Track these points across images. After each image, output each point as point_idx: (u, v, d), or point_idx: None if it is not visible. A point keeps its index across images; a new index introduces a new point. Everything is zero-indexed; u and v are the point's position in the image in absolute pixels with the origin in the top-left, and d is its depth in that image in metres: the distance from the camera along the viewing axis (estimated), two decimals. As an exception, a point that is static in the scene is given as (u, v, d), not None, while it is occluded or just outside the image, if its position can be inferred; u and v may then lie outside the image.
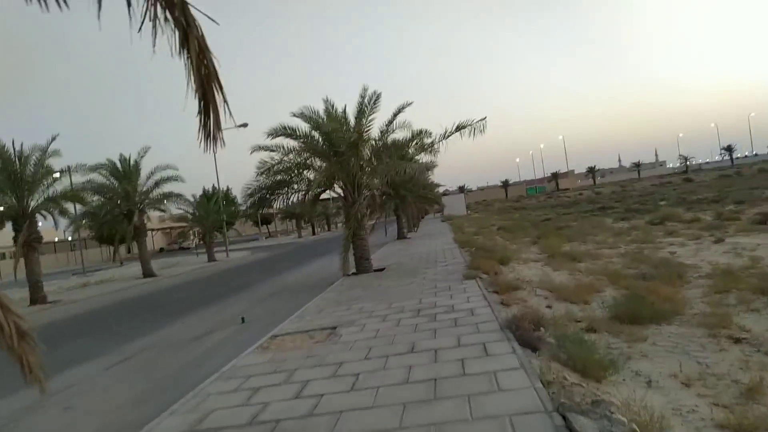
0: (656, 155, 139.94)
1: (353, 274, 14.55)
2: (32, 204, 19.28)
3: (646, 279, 9.50)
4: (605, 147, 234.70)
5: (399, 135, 15.70)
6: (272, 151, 14.33)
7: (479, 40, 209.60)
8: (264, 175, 14.25)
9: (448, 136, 14.72)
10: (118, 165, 26.43)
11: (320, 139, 14.38)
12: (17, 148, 19.02)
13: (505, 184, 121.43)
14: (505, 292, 8.57)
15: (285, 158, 14.19)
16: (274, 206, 16.29)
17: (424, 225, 41.26)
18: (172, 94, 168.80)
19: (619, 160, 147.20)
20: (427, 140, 15.62)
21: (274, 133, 13.95)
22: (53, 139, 19.33)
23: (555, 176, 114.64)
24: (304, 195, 15.35)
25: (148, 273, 27.03)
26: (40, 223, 21.39)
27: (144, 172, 26.99)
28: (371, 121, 14.61)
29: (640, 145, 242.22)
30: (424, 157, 17.96)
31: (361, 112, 14.36)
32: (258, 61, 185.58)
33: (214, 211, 35.90)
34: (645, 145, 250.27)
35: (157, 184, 27.36)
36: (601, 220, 27.90)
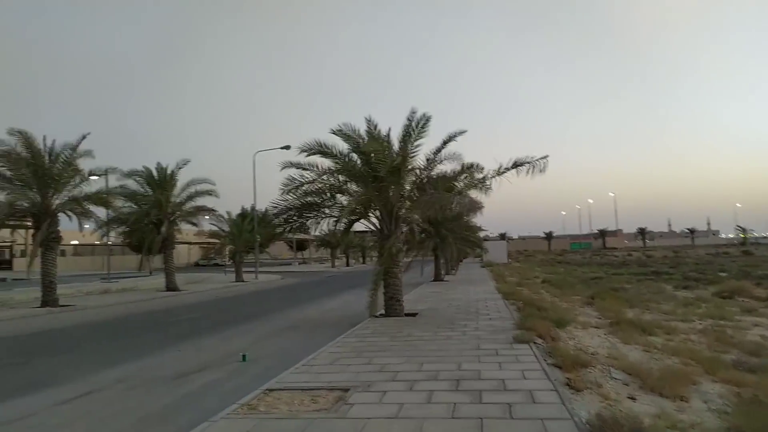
0: (708, 224, 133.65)
1: (381, 315, 12.80)
2: (56, 202, 18.44)
3: (752, 371, 7.41)
4: (654, 210, 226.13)
5: (447, 167, 14.10)
6: (305, 169, 12.90)
7: (533, 85, 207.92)
8: (292, 194, 12.78)
9: (503, 172, 13.00)
10: (154, 173, 25.80)
11: (358, 161, 12.88)
12: (48, 144, 18.34)
13: (549, 236, 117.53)
14: (571, 368, 6.64)
15: (318, 178, 12.69)
16: (306, 230, 14.81)
17: (463, 269, 39.10)
18: (218, 109, 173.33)
19: (669, 225, 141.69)
20: (479, 175, 13.90)
21: (309, 149, 12.52)
22: (83, 137, 18.55)
23: (603, 233, 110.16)
24: (336, 221, 13.87)
25: (171, 287, 25.96)
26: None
27: (180, 184, 26.33)
28: (417, 147, 13.04)
29: (691, 212, 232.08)
30: (473, 195, 16.16)
31: (407, 136, 12.78)
32: (301, 82, 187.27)
33: (247, 230, 34.88)
34: (696, 212, 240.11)
35: (191, 196, 26.53)
36: (659, 286, 25.19)
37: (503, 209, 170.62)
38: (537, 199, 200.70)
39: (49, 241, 18.19)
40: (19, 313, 16.92)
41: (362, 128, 13.00)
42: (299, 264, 68.93)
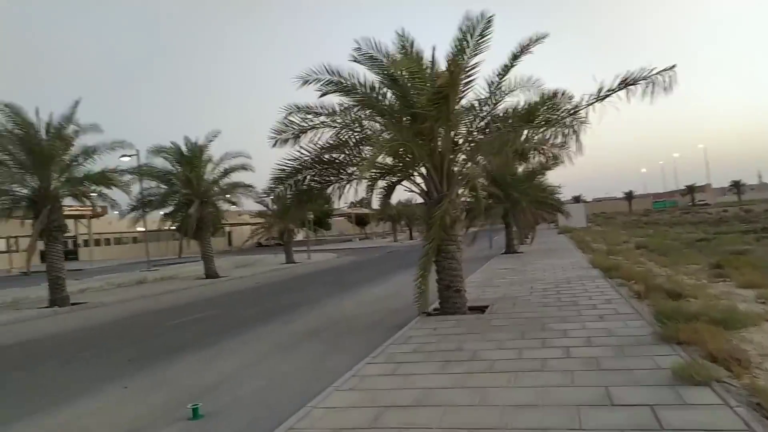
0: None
1: (435, 311, 9.10)
2: (56, 185, 15.82)
3: None
4: (741, 163, 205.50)
5: (519, 98, 9.80)
6: (317, 114, 9.16)
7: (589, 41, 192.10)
8: (300, 150, 9.14)
9: (604, 97, 8.77)
10: (183, 149, 22.98)
11: (389, 94, 8.97)
12: (45, 117, 15.61)
13: (629, 196, 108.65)
14: None
15: (329, 121, 8.93)
16: (329, 199, 11.24)
17: (538, 237, 34.36)
18: (265, 93, 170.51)
19: (759, 177, 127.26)
20: (567, 106, 9.56)
21: (317, 80, 8.68)
22: (76, 104, 15.59)
23: (691, 189, 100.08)
24: (370, 185, 10.22)
25: (210, 273, 23.36)
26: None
27: (215, 160, 23.47)
28: (474, 68, 8.93)
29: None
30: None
31: (460, 51, 8.70)
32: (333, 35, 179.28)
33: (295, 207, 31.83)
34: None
35: (225, 173, 23.61)
36: (791, 246, 19.87)
37: (573, 170, 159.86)
38: (612, 158, 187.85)
39: (51, 231, 15.66)
40: (18, 316, 14.54)
41: (390, 47, 9.06)
42: (360, 240, 66.09)
